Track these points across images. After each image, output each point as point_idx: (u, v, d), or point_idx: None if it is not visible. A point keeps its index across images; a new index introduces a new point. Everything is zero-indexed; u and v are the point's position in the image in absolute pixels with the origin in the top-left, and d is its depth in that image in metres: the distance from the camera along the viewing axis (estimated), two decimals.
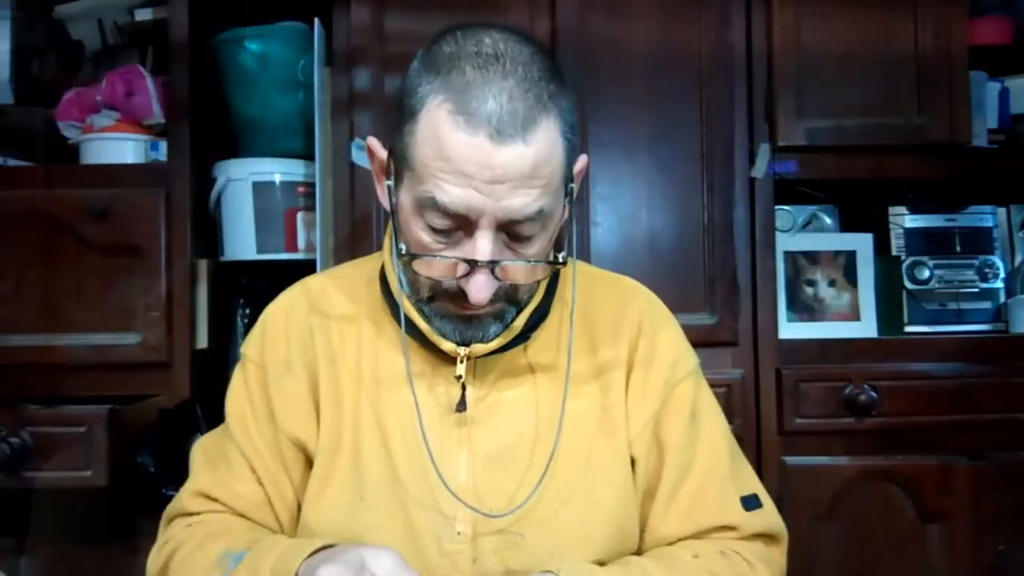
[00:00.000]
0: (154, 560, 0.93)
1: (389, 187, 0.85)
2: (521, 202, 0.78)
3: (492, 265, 0.80)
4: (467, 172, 0.77)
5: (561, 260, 0.85)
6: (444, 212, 0.79)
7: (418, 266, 0.83)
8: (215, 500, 0.94)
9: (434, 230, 0.81)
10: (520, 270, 0.83)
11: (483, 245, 0.79)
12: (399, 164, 0.83)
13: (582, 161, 0.89)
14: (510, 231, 0.81)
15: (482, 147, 0.76)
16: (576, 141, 0.84)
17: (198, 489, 0.95)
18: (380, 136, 0.91)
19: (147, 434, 1.64)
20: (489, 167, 0.76)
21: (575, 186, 0.87)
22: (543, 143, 0.78)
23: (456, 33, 0.82)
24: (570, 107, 0.83)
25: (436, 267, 0.82)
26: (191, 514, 0.95)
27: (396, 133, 0.83)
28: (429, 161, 0.78)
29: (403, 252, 0.83)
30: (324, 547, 0.80)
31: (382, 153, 0.88)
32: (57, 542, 1.73)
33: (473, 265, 0.80)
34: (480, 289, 0.81)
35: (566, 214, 0.88)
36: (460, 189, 0.77)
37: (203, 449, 0.99)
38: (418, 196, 0.80)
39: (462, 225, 0.80)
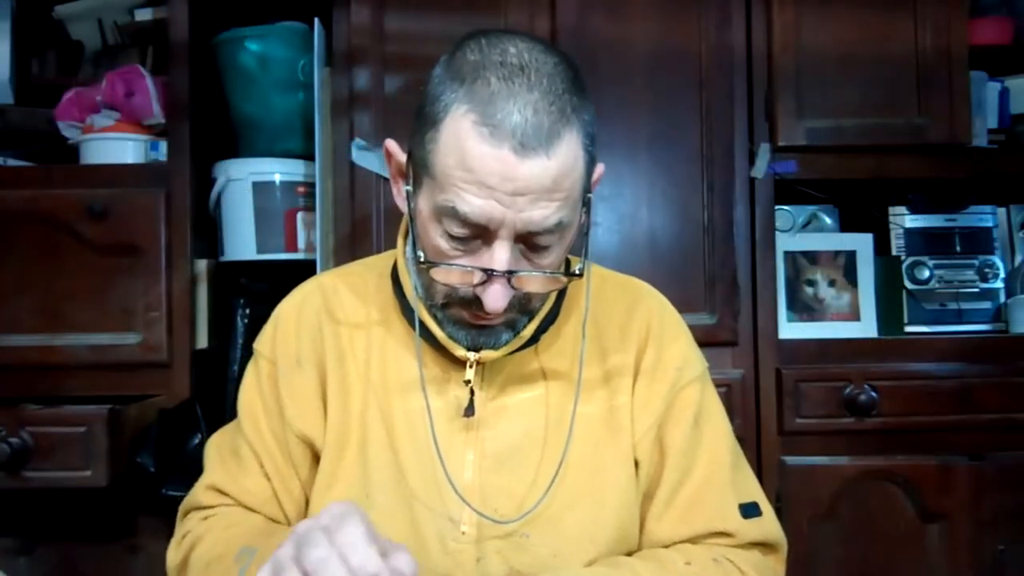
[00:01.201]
0: (174, 554, 0.94)
1: (408, 192, 0.85)
2: (541, 214, 0.79)
3: (509, 275, 0.80)
4: (489, 184, 0.77)
5: (578, 272, 0.85)
6: (464, 221, 0.79)
7: (435, 273, 0.84)
8: (227, 495, 0.95)
9: (452, 237, 0.81)
10: (536, 280, 0.84)
11: (500, 255, 0.80)
12: (418, 170, 0.83)
13: (599, 169, 0.89)
14: (528, 242, 0.81)
15: (506, 160, 0.76)
16: (595, 151, 0.84)
17: (211, 483, 0.96)
18: (386, 136, 0.91)
19: (147, 434, 1.64)
20: (512, 179, 0.77)
21: (592, 195, 0.87)
22: (565, 156, 0.78)
23: (480, 40, 0.81)
24: (591, 118, 0.83)
25: (453, 275, 0.83)
26: (206, 507, 0.96)
27: (416, 139, 0.83)
28: (451, 171, 0.78)
29: (421, 260, 0.83)
30: None
31: (401, 156, 0.88)
32: (57, 542, 1.73)
33: (490, 274, 0.80)
34: (496, 299, 0.81)
35: (583, 223, 0.88)
36: (481, 200, 0.77)
37: (216, 445, 1.00)
38: (438, 204, 0.80)
39: (480, 234, 0.80)
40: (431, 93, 0.81)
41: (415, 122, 0.83)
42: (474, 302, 0.83)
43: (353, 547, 0.66)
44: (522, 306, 0.86)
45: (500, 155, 0.76)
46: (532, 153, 0.76)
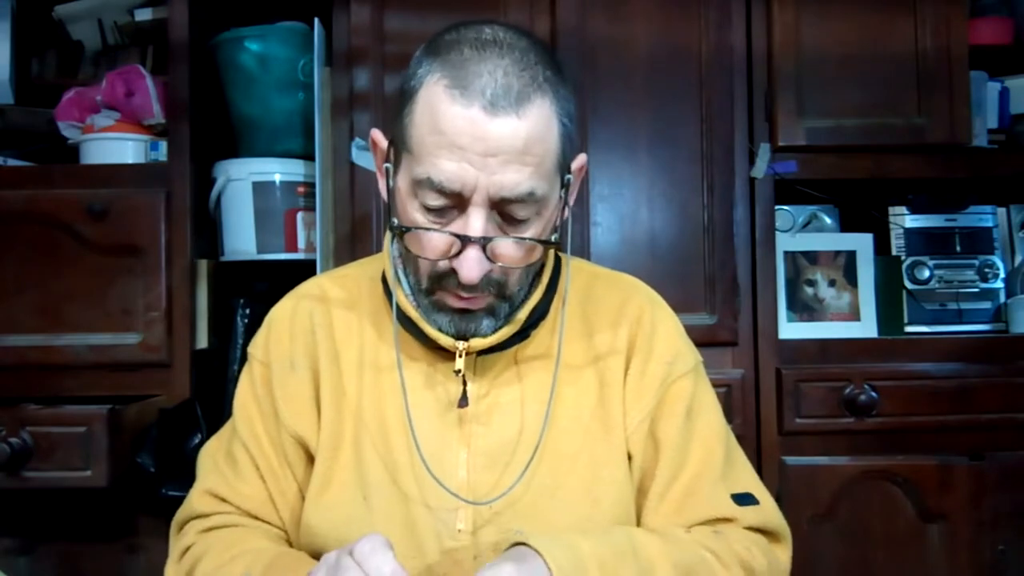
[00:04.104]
0: (175, 571, 0.93)
1: (388, 169, 0.86)
2: (513, 179, 0.79)
3: (484, 242, 0.81)
4: (461, 144, 0.78)
5: (554, 240, 0.86)
6: (439, 191, 0.80)
7: (410, 242, 0.84)
8: (224, 500, 0.95)
9: (428, 209, 0.82)
10: (512, 249, 0.83)
11: (475, 221, 0.80)
12: (398, 149, 0.85)
13: (581, 159, 0.90)
14: (503, 211, 0.81)
15: (476, 119, 0.78)
16: (574, 131, 0.86)
17: (206, 489, 0.96)
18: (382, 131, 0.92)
19: (147, 434, 1.64)
20: (482, 139, 0.78)
21: (572, 178, 0.88)
22: (537, 119, 0.79)
23: (459, 26, 0.84)
24: (567, 95, 0.84)
25: (428, 245, 0.83)
26: (202, 516, 0.95)
27: (396, 121, 0.85)
28: (425, 137, 0.80)
29: (395, 225, 0.84)
30: None
31: (383, 143, 0.90)
32: (57, 542, 1.73)
33: (465, 242, 0.80)
34: (471, 266, 0.81)
35: (565, 212, 0.88)
36: (454, 164, 0.78)
37: (210, 452, 1.00)
38: (414, 176, 0.81)
39: (456, 203, 0.81)
40: (408, 73, 0.84)
41: (395, 109, 0.86)
42: (453, 278, 0.83)
43: (381, 573, 0.70)
44: (499, 290, 0.86)
45: (470, 114, 0.78)
46: (501, 112, 0.78)
